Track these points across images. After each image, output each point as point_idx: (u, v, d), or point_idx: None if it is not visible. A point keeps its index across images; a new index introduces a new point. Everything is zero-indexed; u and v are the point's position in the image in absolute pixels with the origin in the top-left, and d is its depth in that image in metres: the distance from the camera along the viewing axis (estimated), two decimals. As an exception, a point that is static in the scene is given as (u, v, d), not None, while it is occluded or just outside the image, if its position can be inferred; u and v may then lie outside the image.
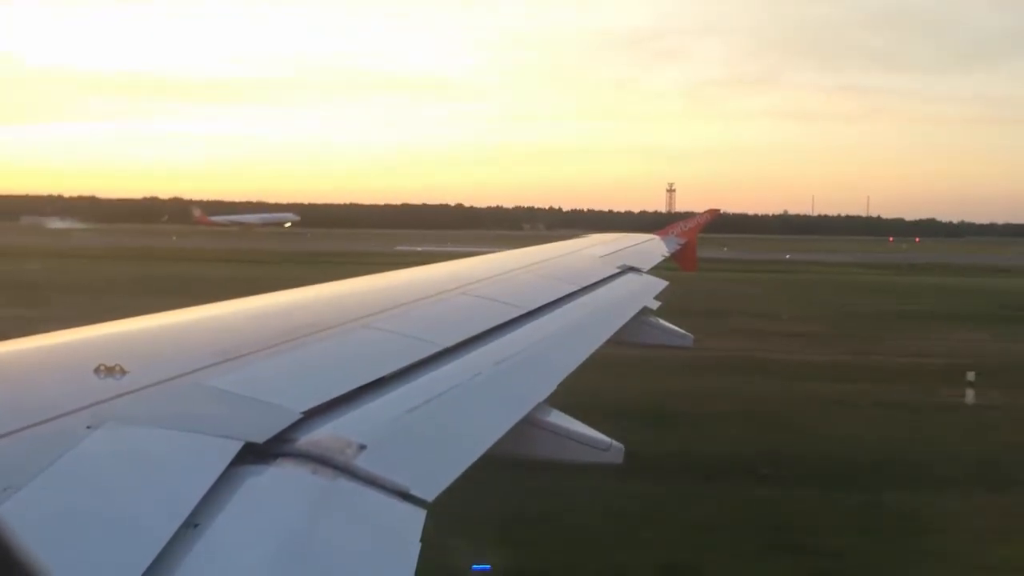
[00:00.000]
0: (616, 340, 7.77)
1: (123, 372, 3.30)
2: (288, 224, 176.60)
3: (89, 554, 2.20)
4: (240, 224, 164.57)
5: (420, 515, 2.90)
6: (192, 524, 2.40)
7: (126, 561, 2.19)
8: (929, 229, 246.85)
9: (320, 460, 2.98)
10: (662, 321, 10.35)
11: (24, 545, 2.11)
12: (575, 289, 8.39)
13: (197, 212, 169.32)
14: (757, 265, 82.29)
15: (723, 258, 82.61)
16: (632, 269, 11.82)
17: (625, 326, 8.35)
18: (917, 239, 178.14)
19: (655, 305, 10.59)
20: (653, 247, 17.27)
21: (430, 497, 3.02)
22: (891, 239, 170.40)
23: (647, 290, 11.02)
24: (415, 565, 2.61)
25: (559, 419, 4.86)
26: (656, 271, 13.37)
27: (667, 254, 17.46)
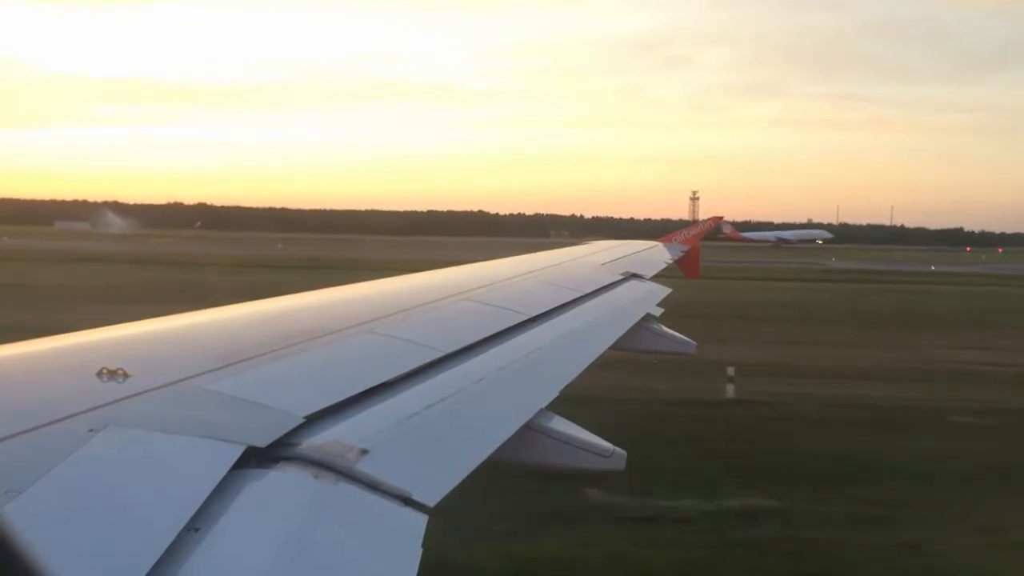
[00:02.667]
0: (618, 346, 7.77)
1: (126, 375, 3.31)
2: (820, 241, 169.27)
3: (91, 557, 2.20)
4: (780, 241, 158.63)
5: (422, 520, 2.90)
6: (194, 528, 2.40)
7: (128, 564, 2.19)
8: (958, 238, 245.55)
9: (322, 464, 2.98)
10: (664, 328, 10.35)
11: (29, 547, 2.11)
12: (578, 296, 8.39)
13: (728, 228, 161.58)
14: (940, 277, 78.52)
15: (860, 269, 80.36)
16: (635, 276, 11.82)
17: (628, 332, 8.35)
18: (1000, 249, 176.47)
19: (658, 312, 10.59)
20: (656, 254, 17.28)
21: (432, 502, 3.01)
22: (968, 249, 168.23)
23: (650, 297, 11.03)
24: (416, 570, 2.61)
25: (561, 425, 4.86)
26: (659, 278, 13.38)
27: (670, 261, 17.47)
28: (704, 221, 24.16)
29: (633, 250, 16.10)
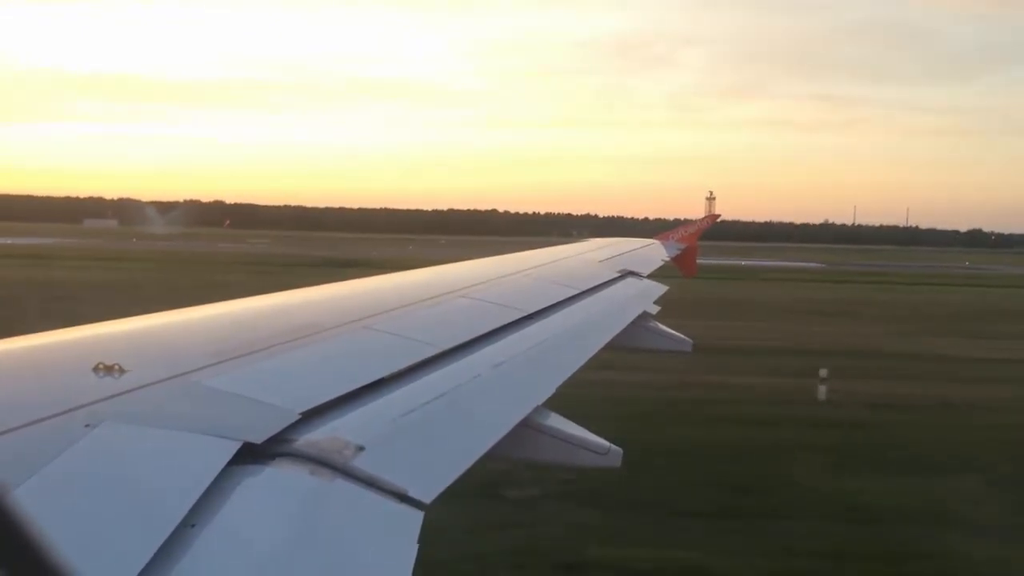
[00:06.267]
0: (615, 344, 7.77)
1: (122, 371, 3.30)
2: None
3: (86, 553, 2.20)
4: None
5: (418, 517, 2.90)
6: (189, 524, 2.39)
7: (123, 560, 2.19)
8: (978, 240, 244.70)
9: (318, 461, 2.98)
10: (661, 326, 10.34)
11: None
12: (575, 293, 8.39)
13: None
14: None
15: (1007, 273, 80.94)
16: (632, 273, 11.82)
17: (624, 330, 8.35)
18: None
19: (655, 310, 10.58)
20: (653, 252, 17.26)
21: (428, 499, 3.02)
22: None
23: (647, 295, 11.02)
24: (412, 567, 2.61)
25: (558, 422, 4.85)
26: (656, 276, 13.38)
27: (667, 259, 17.46)
28: (702, 219, 24.10)
29: (630, 247, 16.08)
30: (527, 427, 4.50)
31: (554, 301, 7.50)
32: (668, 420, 23.81)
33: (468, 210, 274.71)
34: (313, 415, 3.34)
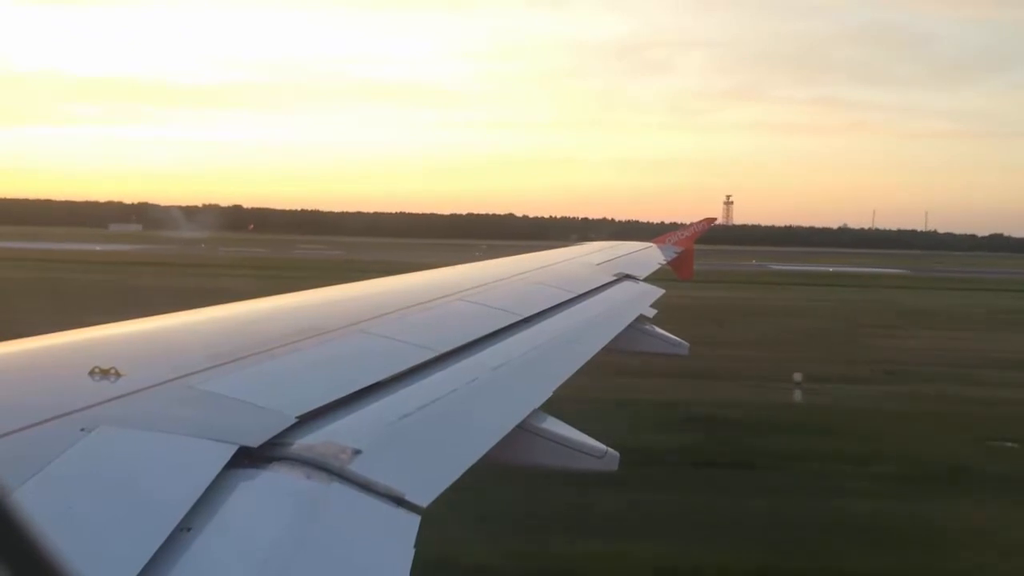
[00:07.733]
0: (612, 347, 7.78)
1: (118, 375, 3.30)
2: None
3: (82, 557, 2.19)
4: None
5: (414, 521, 2.89)
6: (185, 528, 2.39)
7: (120, 564, 2.18)
8: (999, 244, 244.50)
9: (314, 465, 2.98)
10: (658, 329, 10.35)
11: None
12: (572, 296, 8.39)
13: None
14: None
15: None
16: (629, 277, 11.83)
17: (621, 333, 8.36)
18: None
19: (651, 313, 10.59)
20: (650, 255, 17.28)
21: (424, 503, 3.01)
22: None
23: (644, 298, 11.03)
24: (409, 571, 2.61)
25: (554, 426, 4.85)
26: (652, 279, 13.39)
27: (663, 262, 17.49)
28: (698, 223, 24.12)
29: (627, 251, 16.10)
30: (524, 431, 4.50)
31: (551, 304, 7.51)
32: None
33: (486, 214, 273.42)
34: (309, 419, 3.33)
